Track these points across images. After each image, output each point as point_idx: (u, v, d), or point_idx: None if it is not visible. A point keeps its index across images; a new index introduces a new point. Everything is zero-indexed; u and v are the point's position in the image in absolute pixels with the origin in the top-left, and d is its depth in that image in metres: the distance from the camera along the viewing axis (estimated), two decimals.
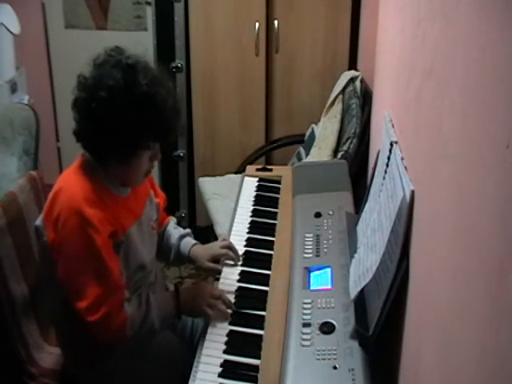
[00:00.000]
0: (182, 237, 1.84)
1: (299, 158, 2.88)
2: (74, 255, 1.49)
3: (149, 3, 3.17)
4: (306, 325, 1.44)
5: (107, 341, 1.55)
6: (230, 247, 1.81)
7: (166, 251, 1.84)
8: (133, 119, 1.47)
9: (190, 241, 1.84)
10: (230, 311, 1.61)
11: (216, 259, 1.79)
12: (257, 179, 2.24)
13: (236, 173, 2.99)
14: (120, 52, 1.55)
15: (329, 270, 1.62)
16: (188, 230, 1.88)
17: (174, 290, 1.66)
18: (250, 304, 1.63)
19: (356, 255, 1.55)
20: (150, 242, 1.71)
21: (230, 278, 1.74)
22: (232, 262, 1.79)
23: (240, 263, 1.80)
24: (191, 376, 1.41)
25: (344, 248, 1.70)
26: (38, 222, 1.56)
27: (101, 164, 1.56)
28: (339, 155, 2.48)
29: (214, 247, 1.82)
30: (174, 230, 1.87)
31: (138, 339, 1.57)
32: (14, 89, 3.04)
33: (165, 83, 1.55)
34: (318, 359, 1.34)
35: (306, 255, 1.71)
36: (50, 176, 1.63)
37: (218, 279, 1.76)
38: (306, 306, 1.50)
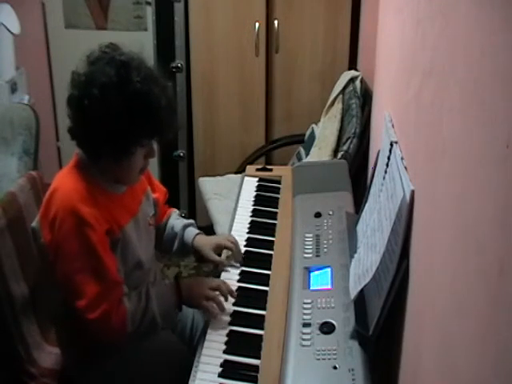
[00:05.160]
0: (186, 226, 1.84)
1: (299, 158, 2.88)
2: (72, 255, 1.49)
3: (149, 3, 3.17)
4: (306, 325, 1.44)
5: (108, 338, 1.55)
6: (236, 244, 1.81)
7: (169, 241, 1.84)
8: (125, 116, 1.46)
9: (193, 230, 1.84)
10: (231, 299, 1.63)
11: (220, 249, 1.79)
12: (257, 179, 2.24)
13: (236, 173, 2.99)
14: (114, 48, 1.55)
15: (329, 270, 1.62)
16: (191, 221, 1.88)
17: (174, 281, 1.66)
18: (250, 304, 1.63)
19: (356, 255, 1.55)
20: (146, 239, 1.70)
21: (230, 278, 1.74)
22: (234, 263, 1.78)
23: (240, 265, 1.79)
24: (191, 376, 1.41)
25: (344, 248, 1.69)
26: (34, 223, 1.55)
27: (95, 162, 1.55)
28: (339, 155, 2.48)
29: (219, 237, 1.83)
30: (177, 221, 1.86)
31: (138, 337, 1.57)
32: (13, 89, 3.04)
33: (159, 81, 1.53)
34: (318, 359, 1.34)
35: (306, 255, 1.71)
36: (50, 176, 1.62)
37: (218, 276, 1.76)
38: (306, 305, 1.50)
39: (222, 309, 1.60)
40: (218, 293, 1.61)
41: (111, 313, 1.50)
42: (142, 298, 1.57)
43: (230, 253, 1.81)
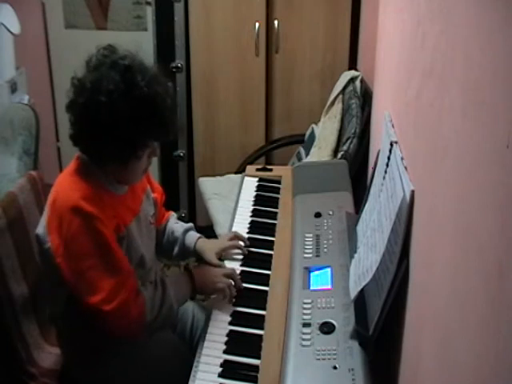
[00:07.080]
0: (186, 230, 1.85)
1: (299, 158, 2.88)
2: (84, 252, 1.48)
3: (149, 3, 3.17)
4: (306, 325, 1.44)
5: (126, 330, 1.52)
6: (237, 236, 1.84)
7: (169, 245, 1.85)
8: (134, 122, 1.46)
9: (194, 234, 1.85)
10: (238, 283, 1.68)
11: (224, 252, 1.81)
12: (257, 179, 2.24)
13: (236, 173, 2.99)
14: (113, 51, 1.54)
15: (329, 270, 1.62)
16: (191, 224, 1.89)
17: (185, 270, 1.68)
18: (250, 304, 1.63)
19: (356, 255, 1.55)
20: (148, 238, 1.71)
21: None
22: (240, 251, 1.82)
23: (246, 251, 1.83)
24: (191, 376, 1.41)
25: (344, 248, 1.70)
26: (40, 229, 1.54)
27: (98, 165, 1.55)
28: (339, 155, 2.48)
29: (222, 240, 1.85)
30: (176, 225, 1.87)
31: (152, 331, 1.58)
32: (13, 89, 3.04)
33: (162, 81, 1.54)
34: (318, 359, 1.33)
35: (306, 255, 1.71)
36: (50, 176, 1.63)
37: None
38: (306, 305, 1.50)
39: (234, 292, 1.65)
40: (230, 280, 1.66)
41: (129, 302, 1.50)
42: (158, 287, 1.58)
43: (231, 253, 1.82)
